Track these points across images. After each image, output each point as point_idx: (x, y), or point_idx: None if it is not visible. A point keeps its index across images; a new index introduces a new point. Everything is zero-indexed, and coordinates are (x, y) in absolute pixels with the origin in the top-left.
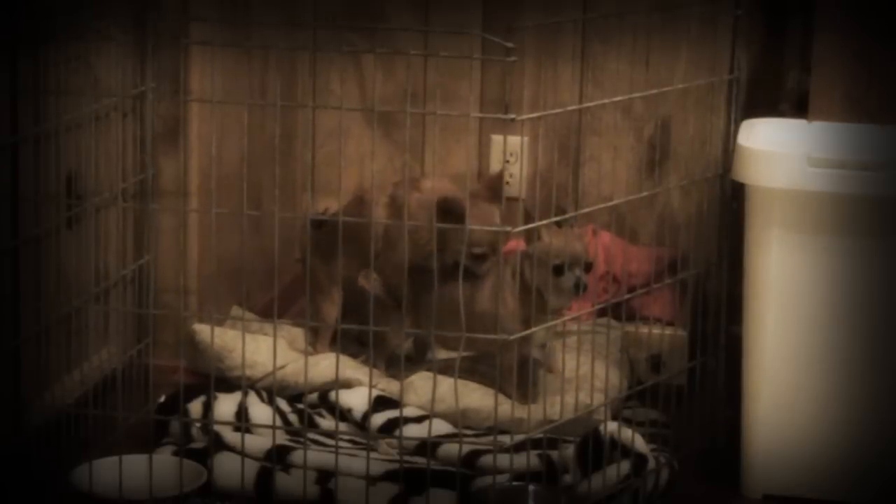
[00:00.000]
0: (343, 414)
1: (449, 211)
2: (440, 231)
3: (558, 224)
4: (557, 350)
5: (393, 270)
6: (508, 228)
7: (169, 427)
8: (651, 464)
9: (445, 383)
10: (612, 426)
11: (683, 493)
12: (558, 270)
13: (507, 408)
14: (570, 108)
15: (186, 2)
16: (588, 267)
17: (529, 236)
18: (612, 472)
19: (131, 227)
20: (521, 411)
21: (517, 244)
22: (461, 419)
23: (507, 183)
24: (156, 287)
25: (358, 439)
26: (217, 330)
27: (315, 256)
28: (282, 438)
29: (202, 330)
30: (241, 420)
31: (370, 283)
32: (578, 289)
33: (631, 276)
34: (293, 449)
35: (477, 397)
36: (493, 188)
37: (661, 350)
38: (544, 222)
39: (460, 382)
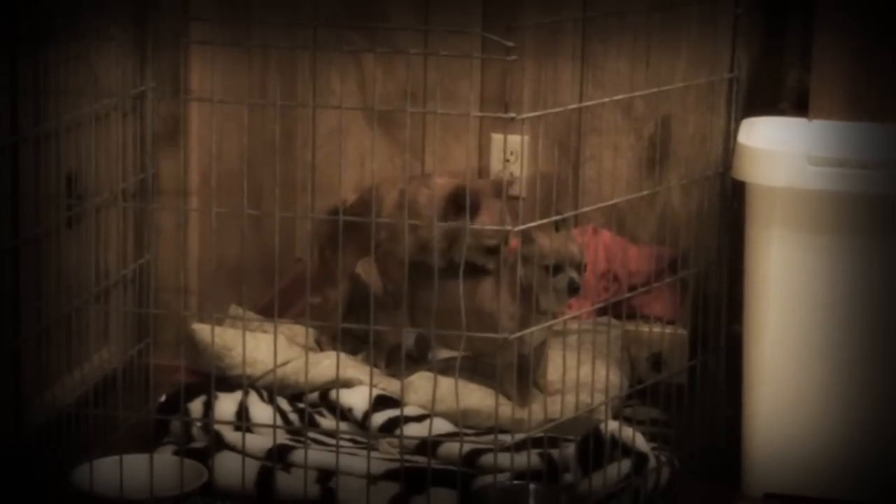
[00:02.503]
0: (344, 413)
1: (462, 203)
2: (450, 226)
3: (556, 226)
4: (555, 350)
5: (394, 265)
6: (509, 228)
7: (169, 426)
8: (652, 462)
9: (445, 383)
10: (613, 425)
11: (684, 492)
12: (553, 270)
13: (507, 408)
14: (570, 107)
15: (186, 1)
16: (583, 268)
17: (524, 238)
18: (612, 470)
19: (131, 226)
20: (521, 412)
21: (515, 244)
22: (461, 419)
23: (510, 182)
24: (156, 287)
25: (359, 438)
26: (217, 329)
27: (330, 249)
28: (282, 438)
29: (202, 329)
30: (242, 419)
31: (367, 274)
32: (572, 289)
33: (631, 275)
34: (294, 448)
35: (477, 398)
36: (498, 188)
37: (661, 349)
38: (544, 221)
39: (460, 382)
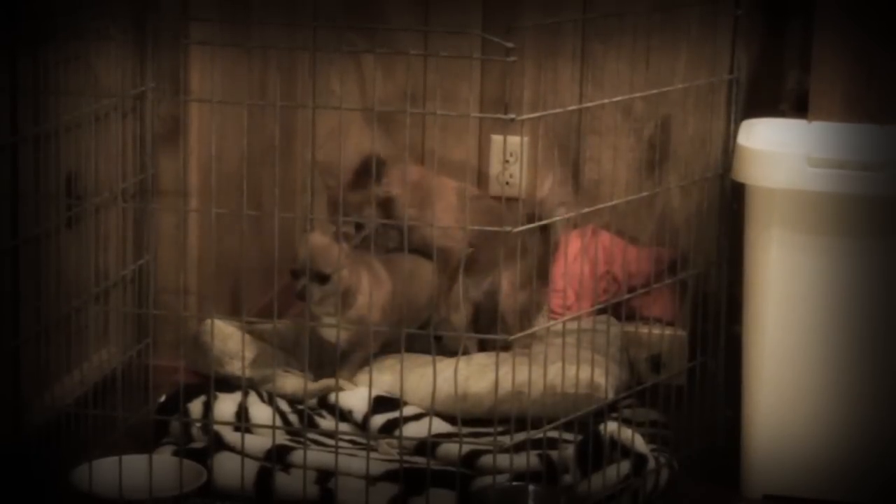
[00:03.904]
0: (344, 415)
1: (368, 171)
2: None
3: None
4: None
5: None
6: (509, 228)
7: (169, 427)
8: (651, 464)
9: (444, 375)
10: (612, 426)
11: (683, 494)
12: (294, 275)
13: (506, 386)
14: (570, 108)
15: (186, 2)
16: (323, 278)
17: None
18: (611, 472)
19: (131, 227)
20: (521, 386)
21: None
22: (462, 403)
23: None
24: (156, 287)
25: (358, 439)
26: (220, 332)
27: None
28: (282, 438)
29: (207, 330)
30: (241, 420)
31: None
32: (299, 296)
33: (631, 277)
34: (293, 449)
35: (482, 386)
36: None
37: (661, 350)
38: (544, 222)
39: (461, 376)
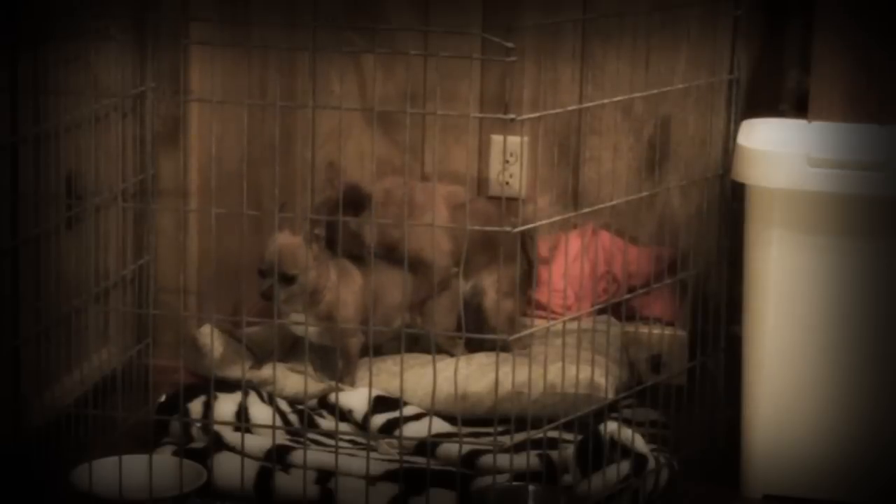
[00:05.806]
0: (344, 415)
1: (351, 199)
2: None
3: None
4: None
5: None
6: (508, 229)
7: (169, 427)
8: (651, 464)
9: (444, 374)
10: (612, 426)
11: (683, 494)
12: (260, 274)
13: (506, 385)
14: (570, 108)
15: (186, 2)
16: (288, 279)
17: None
18: (611, 472)
19: (131, 227)
20: (521, 386)
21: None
22: (462, 402)
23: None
24: (156, 287)
25: (358, 439)
26: (218, 340)
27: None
28: (282, 438)
29: (205, 335)
30: (241, 420)
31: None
32: (264, 296)
33: (631, 276)
34: (293, 449)
35: (482, 385)
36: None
37: (661, 350)
38: (545, 221)
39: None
